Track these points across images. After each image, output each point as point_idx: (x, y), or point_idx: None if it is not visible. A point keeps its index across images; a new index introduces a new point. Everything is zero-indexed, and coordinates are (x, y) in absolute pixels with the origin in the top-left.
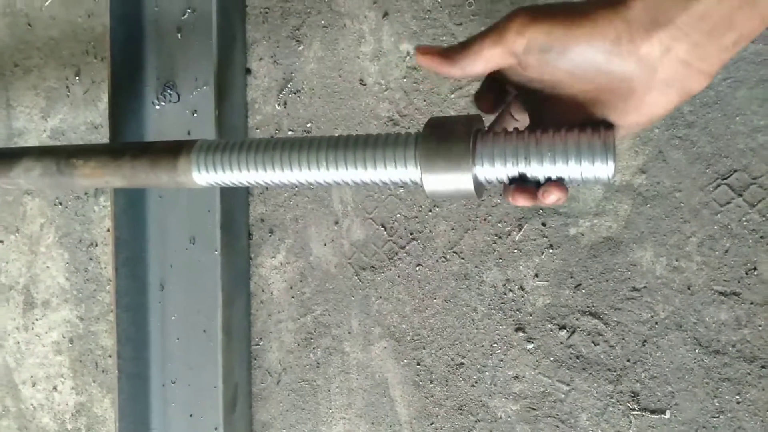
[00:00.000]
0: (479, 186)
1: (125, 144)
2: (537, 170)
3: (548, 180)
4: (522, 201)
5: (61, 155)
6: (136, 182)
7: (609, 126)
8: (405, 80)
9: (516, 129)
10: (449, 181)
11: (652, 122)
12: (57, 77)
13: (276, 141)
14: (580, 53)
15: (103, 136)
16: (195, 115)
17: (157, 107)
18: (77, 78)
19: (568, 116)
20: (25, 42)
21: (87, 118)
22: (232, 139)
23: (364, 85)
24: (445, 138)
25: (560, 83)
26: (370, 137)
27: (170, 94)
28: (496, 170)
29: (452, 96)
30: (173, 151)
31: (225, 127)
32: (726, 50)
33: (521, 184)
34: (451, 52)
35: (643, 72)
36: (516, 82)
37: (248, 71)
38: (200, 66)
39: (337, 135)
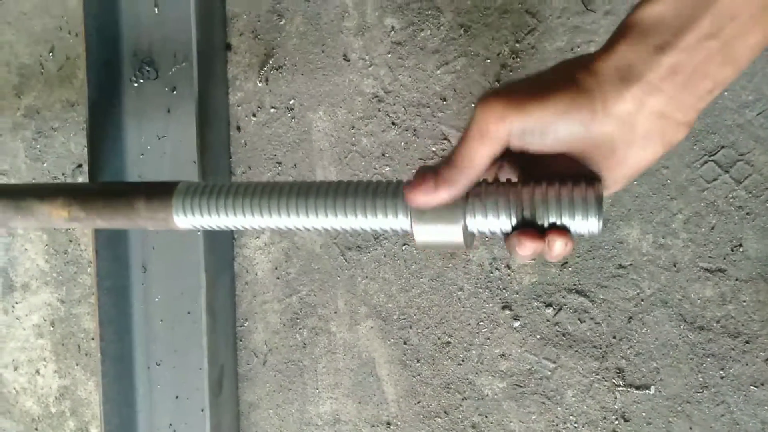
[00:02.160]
0: (469, 237)
1: (105, 186)
2: (541, 221)
3: (552, 227)
4: (529, 244)
5: (31, 193)
6: (118, 226)
7: (597, 179)
8: (389, 56)
9: (508, 180)
10: (440, 232)
11: (639, 174)
12: (30, 53)
13: (262, 186)
14: (559, 129)
15: (78, 114)
16: (174, 92)
17: (135, 84)
18: (51, 54)
19: (558, 168)
20: None
21: (62, 95)
22: (216, 183)
23: (348, 60)
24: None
25: (545, 151)
26: (360, 184)
27: (148, 71)
28: (488, 222)
29: (438, 72)
30: (155, 194)
31: (205, 104)
32: (702, 99)
33: (526, 229)
34: (443, 176)
35: (622, 130)
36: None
37: (228, 47)
38: (179, 42)
39: (327, 181)
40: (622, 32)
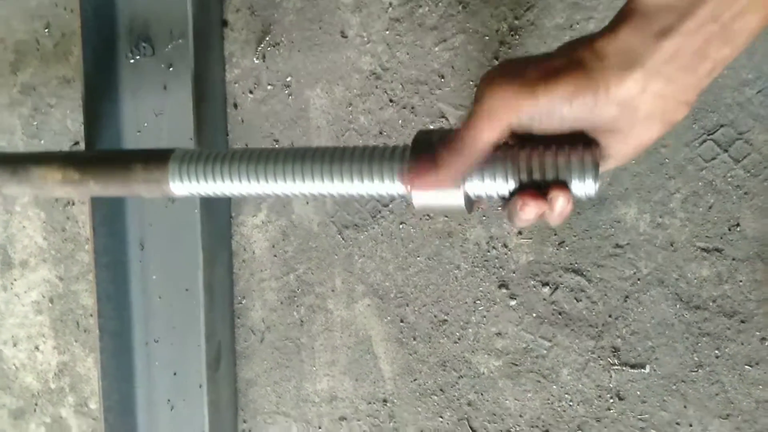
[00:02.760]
0: (469, 201)
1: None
2: (527, 187)
3: (553, 184)
4: (532, 203)
5: (29, 163)
6: (112, 193)
7: (594, 142)
8: (387, 32)
9: (506, 143)
10: (439, 197)
11: (640, 152)
12: (25, 30)
13: (259, 152)
14: (564, 112)
15: (75, 90)
16: (171, 69)
17: (132, 61)
18: (47, 31)
19: (557, 135)
20: None
21: (58, 72)
22: (212, 150)
23: (345, 37)
24: (434, 152)
25: (547, 131)
26: (357, 150)
27: (144, 47)
28: (486, 186)
29: (436, 49)
30: (151, 159)
31: (202, 81)
32: (702, 80)
33: (527, 190)
34: (445, 162)
35: (625, 112)
36: None
37: (225, 23)
38: (175, 18)
39: (323, 146)
40: (624, 16)
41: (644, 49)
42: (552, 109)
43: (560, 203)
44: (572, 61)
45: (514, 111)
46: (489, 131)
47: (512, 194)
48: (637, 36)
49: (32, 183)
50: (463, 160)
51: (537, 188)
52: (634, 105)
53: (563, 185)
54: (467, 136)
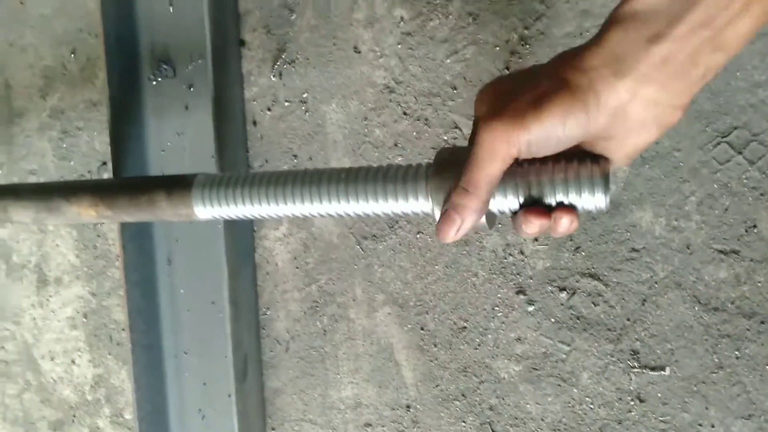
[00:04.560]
0: (491, 217)
1: (126, 182)
2: (549, 200)
3: (559, 205)
4: (535, 221)
5: (59, 194)
6: (141, 219)
7: (603, 156)
8: (399, 46)
9: (528, 159)
10: None
11: (637, 154)
12: (53, 55)
13: (283, 174)
14: (559, 134)
15: (101, 113)
16: (191, 89)
17: (154, 83)
18: (72, 56)
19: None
20: (18, 20)
21: (85, 95)
22: (234, 173)
23: (359, 52)
24: (456, 170)
25: (549, 153)
26: (380, 170)
27: (166, 69)
28: (508, 201)
29: (448, 61)
30: (175, 187)
31: (221, 100)
32: (694, 84)
33: (533, 207)
34: (465, 206)
35: (617, 120)
36: None
37: (242, 43)
38: (194, 40)
39: (345, 167)
40: (613, 23)
41: (634, 56)
42: (546, 134)
43: (563, 224)
44: (558, 82)
45: (511, 144)
46: (492, 166)
47: (521, 207)
48: (627, 42)
49: (68, 217)
50: (480, 199)
51: (545, 204)
52: (626, 112)
53: (569, 207)
54: (476, 176)
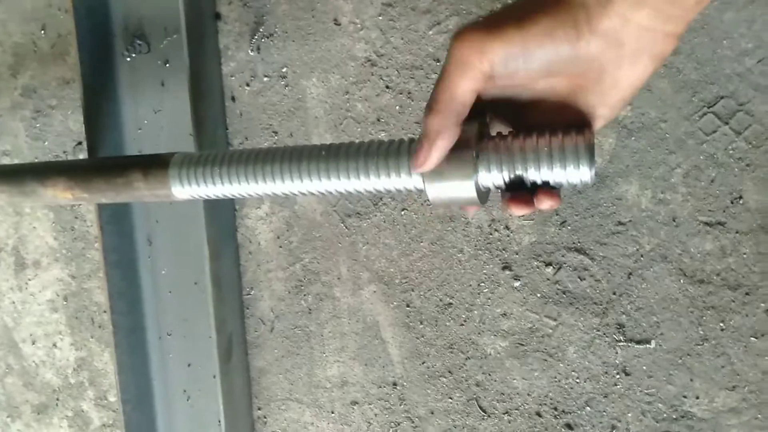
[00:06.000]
0: (482, 192)
1: (102, 162)
2: (534, 174)
3: (543, 184)
4: (518, 210)
5: (33, 177)
6: (119, 200)
7: (588, 126)
8: (381, 18)
9: (512, 133)
10: (453, 188)
11: (634, 95)
12: (22, 32)
13: (262, 152)
14: (545, 51)
15: (75, 91)
16: (167, 65)
17: (128, 59)
18: (42, 32)
19: (548, 116)
20: None
21: (57, 73)
22: (212, 152)
23: (339, 25)
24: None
25: (532, 82)
26: (365, 145)
27: (140, 45)
28: (492, 176)
29: (430, 33)
30: (151, 166)
31: (198, 76)
32: (689, 10)
33: (516, 193)
34: (432, 127)
35: (609, 48)
36: (490, 96)
37: (218, 16)
38: (168, 14)
39: (327, 144)
40: None
41: None
42: (529, 48)
43: (545, 205)
44: (549, 1)
45: (485, 54)
46: (463, 80)
47: (508, 185)
48: None
49: (44, 200)
50: (448, 119)
51: (530, 182)
52: (618, 38)
53: (551, 190)
54: (444, 91)
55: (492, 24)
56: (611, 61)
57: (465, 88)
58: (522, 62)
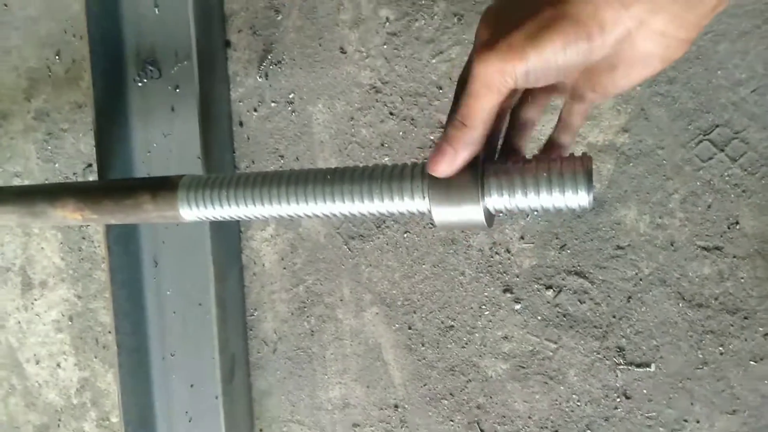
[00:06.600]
0: (490, 216)
1: (111, 184)
2: (534, 199)
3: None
4: None
5: (43, 198)
6: (124, 221)
7: (587, 156)
8: (385, 47)
9: (512, 158)
10: (459, 212)
11: (639, 84)
12: (37, 57)
13: (269, 175)
14: (560, 62)
15: (86, 114)
16: (177, 90)
17: (140, 84)
18: (57, 58)
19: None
20: (2, 22)
21: (70, 97)
22: (219, 175)
23: (345, 53)
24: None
25: (550, 83)
26: (375, 169)
27: (151, 71)
28: (506, 200)
29: (433, 61)
30: (159, 188)
31: (207, 101)
32: (705, 17)
33: None
34: (457, 138)
35: (622, 49)
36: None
37: (228, 44)
38: (179, 41)
39: (338, 167)
40: None
41: None
42: (546, 63)
43: None
44: (561, 10)
45: (507, 75)
46: (488, 100)
47: (509, 210)
48: None
49: (54, 221)
50: (474, 132)
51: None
52: (631, 41)
53: None
54: (470, 109)
55: (510, 44)
56: (623, 61)
57: (490, 107)
58: (541, 74)
